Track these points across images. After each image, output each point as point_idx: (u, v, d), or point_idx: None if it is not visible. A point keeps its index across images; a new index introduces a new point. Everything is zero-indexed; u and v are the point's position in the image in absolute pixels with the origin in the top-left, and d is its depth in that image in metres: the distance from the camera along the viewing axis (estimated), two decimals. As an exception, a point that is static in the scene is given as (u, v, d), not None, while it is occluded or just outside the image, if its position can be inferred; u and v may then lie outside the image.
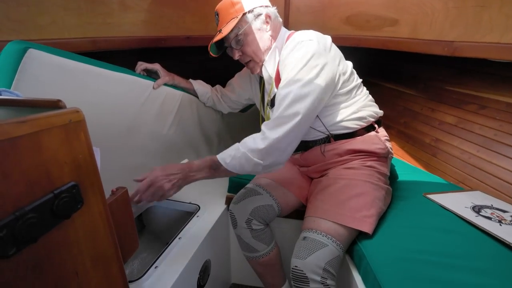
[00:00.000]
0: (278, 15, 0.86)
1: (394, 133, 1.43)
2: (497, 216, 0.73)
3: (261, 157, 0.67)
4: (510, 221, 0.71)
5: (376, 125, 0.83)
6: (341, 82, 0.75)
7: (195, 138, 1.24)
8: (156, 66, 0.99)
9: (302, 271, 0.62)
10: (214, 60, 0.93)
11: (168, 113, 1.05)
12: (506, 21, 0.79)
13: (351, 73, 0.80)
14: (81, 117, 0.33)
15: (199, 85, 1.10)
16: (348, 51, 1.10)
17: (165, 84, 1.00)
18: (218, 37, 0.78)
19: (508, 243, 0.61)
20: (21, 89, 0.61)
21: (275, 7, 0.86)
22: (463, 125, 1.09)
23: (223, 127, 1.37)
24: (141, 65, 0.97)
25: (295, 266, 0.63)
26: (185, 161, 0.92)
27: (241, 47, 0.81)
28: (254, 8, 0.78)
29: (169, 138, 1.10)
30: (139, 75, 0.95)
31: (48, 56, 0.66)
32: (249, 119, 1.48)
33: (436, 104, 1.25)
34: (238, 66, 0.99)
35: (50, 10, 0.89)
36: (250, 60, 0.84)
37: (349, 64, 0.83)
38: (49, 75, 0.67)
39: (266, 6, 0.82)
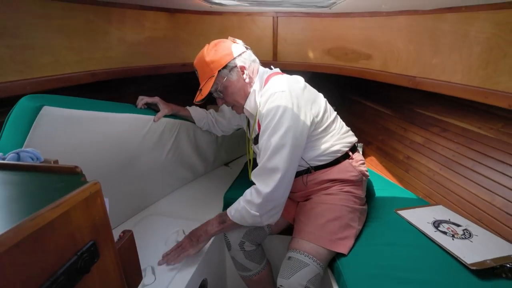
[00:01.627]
0: (254, 58, 0.89)
1: (374, 149, 1.58)
2: (452, 231, 0.87)
3: (257, 209, 0.78)
4: (461, 235, 0.85)
5: (350, 152, 0.94)
6: (315, 123, 0.83)
7: (192, 159, 1.32)
8: (155, 100, 1.05)
9: None
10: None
11: (166, 141, 1.12)
12: (454, 66, 0.94)
13: (324, 112, 0.88)
14: (98, 187, 0.38)
15: (195, 112, 1.17)
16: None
17: (164, 116, 1.07)
18: (198, 98, 0.85)
19: (456, 256, 0.74)
20: (34, 143, 0.66)
21: (250, 49, 0.89)
22: (429, 145, 1.24)
23: (218, 146, 1.46)
24: (142, 100, 1.03)
25: (280, 286, 0.74)
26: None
27: (223, 97, 0.89)
28: (228, 62, 0.82)
29: (167, 162, 1.17)
30: (140, 111, 1.01)
31: (60, 110, 0.71)
32: (242, 136, 1.58)
33: (408, 124, 1.40)
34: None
35: (53, 50, 0.96)
36: (233, 105, 0.92)
37: (322, 103, 0.89)
38: (60, 127, 0.73)
39: (240, 55, 0.85)
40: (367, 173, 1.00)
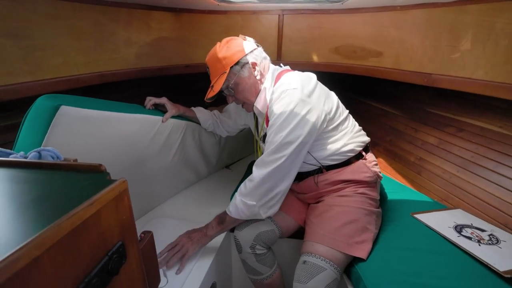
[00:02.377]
0: (265, 55, 0.89)
1: (382, 150, 1.52)
2: (477, 236, 0.81)
3: (252, 198, 0.76)
4: (488, 240, 0.78)
5: (364, 153, 0.89)
6: (327, 120, 0.80)
7: (196, 161, 1.30)
8: (163, 100, 1.03)
9: None
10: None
11: (173, 143, 1.10)
12: (476, 61, 0.89)
13: (337, 109, 0.85)
14: (126, 185, 0.37)
15: (201, 113, 1.15)
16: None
17: (171, 116, 1.04)
18: (210, 94, 0.84)
19: (486, 263, 0.68)
20: (52, 143, 0.67)
21: (261, 47, 0.89)
22: (443, 146, 1.18)
23: (221, 148, 1.43)
24: (150, 101, 1.01)
25: None
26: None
27: (233, 94, 0.87)
28: (240, 59, 0.82)
29: (173, 164, 1.15)
30: (149, 112, 0.99)
31: (76, 110, 0.71)
32: (245, 138, 1.54)
33: (419, 124, 1.34)
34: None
35: (62, 51, 0.95)
36: (244, 103, 0.90)
37: (334, 100, 0.87)
38: (76, 127, 0.73)
39: (251, 51, 0.84)
40: (381, 175, 0.95)
